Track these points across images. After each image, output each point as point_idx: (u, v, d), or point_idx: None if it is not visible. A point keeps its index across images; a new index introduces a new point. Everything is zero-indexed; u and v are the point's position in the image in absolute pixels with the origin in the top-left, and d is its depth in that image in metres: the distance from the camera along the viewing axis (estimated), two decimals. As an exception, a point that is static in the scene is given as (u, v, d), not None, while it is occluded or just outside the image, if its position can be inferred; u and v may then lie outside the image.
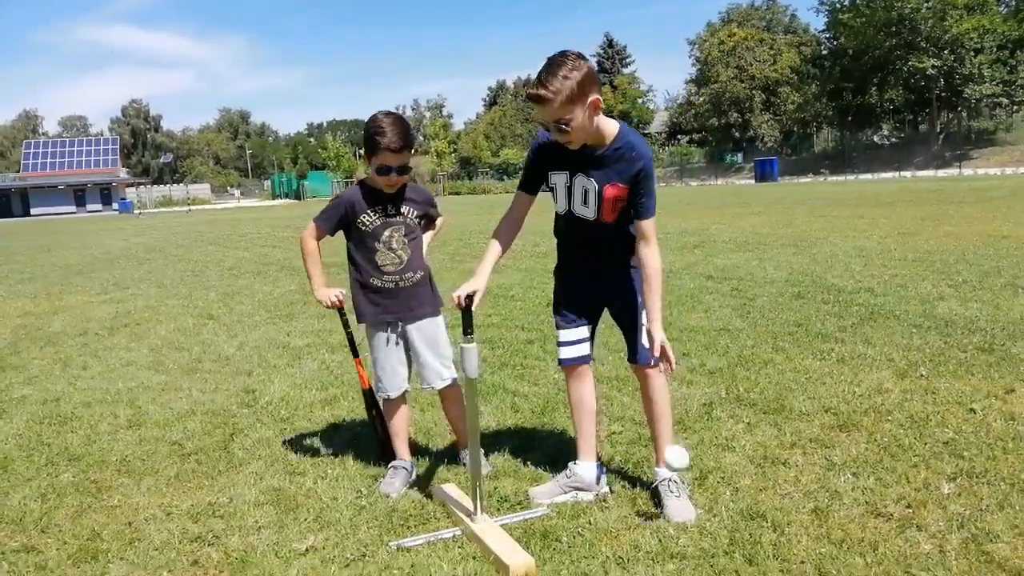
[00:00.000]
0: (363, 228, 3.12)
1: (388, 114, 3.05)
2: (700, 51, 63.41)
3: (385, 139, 2.96)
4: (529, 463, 3.28)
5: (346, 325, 3.41)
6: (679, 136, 69.27)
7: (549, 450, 3.43)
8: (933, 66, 47.81)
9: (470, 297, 2.66)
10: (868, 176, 43.67)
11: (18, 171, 77.40)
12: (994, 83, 48.59)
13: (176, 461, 3.57)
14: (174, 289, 9.60)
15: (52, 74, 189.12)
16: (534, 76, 2.65)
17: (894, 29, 49.42)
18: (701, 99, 63.37)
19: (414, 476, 3.21)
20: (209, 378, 5.02)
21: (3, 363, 5.76)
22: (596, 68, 2.69)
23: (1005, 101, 50.33)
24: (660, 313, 2.76)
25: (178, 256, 14.64)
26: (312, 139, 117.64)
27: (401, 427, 3.29)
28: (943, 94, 51.01)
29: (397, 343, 3.21)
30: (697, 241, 11.75)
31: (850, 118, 58.18)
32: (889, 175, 43.12)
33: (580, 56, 2.57)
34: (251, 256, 13.71)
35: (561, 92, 2.51)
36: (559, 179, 2.83)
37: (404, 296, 3.16)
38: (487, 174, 67.40)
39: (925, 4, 47.86)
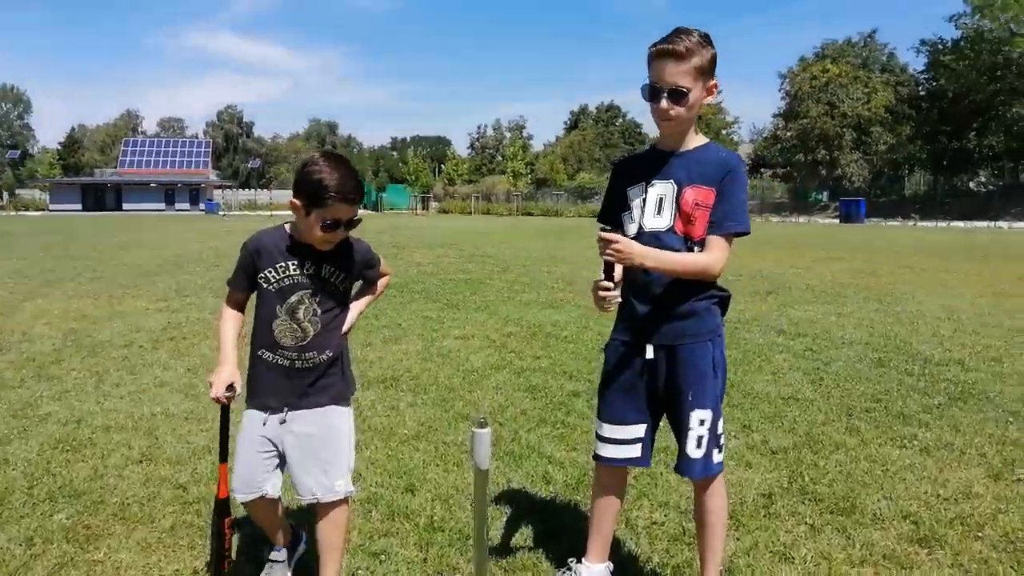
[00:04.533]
0: (265, 286, 2.45)
1: (331, 156, 2.40)
2: (791, 85, 61.82)
3: (338, 186, 2.31)
4: (552, 556, 2.89)
5: (225, 425, 2.61)
6: (763, 170, 67.67)
7: (578, 539, 3.02)
8: (1039, 113, 45.45)
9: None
10: (960, 224, 41.57)
11: (116, 167, 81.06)
12: (1105, 135, 45.87)
13: (176, 510, 3.31)
14: (231, 301, 9.53)
15: (157, 76, 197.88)
16: (666, 40, 2.32)
17: (999, 74, 47.19)
18: (788, 134, 61.75)
19: (294, 562, 2.76)
20: (237, 411, 4.77)
21: (42, 372, 5.69)
22: None
23: (1115, 154, 47.42)
24: (662, 263, 2.32)
25: (245, 264, 14.74)
26: (395, 152, 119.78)
27: (266, 521, 2.68)
28: (1048, 143, 48.41)
29: (267, 432, 2.49)
30: (771, 287, 11.13)
31: (944, 163, 55.73)
32: (983, 224, 40.94)
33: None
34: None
35: (695, 54, 2.28)
36: (635, 193, 2.45)
37: (298, 378, 2.47)
38: (560, 197, 67.02)
39: (1034, 49, 45.59)
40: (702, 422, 2.39)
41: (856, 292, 10.69)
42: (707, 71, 2.31)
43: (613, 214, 2.51)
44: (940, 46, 52.35)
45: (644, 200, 2.41)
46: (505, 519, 3.22)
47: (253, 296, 2.56)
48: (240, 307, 2.60)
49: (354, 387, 2.67)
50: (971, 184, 57.43)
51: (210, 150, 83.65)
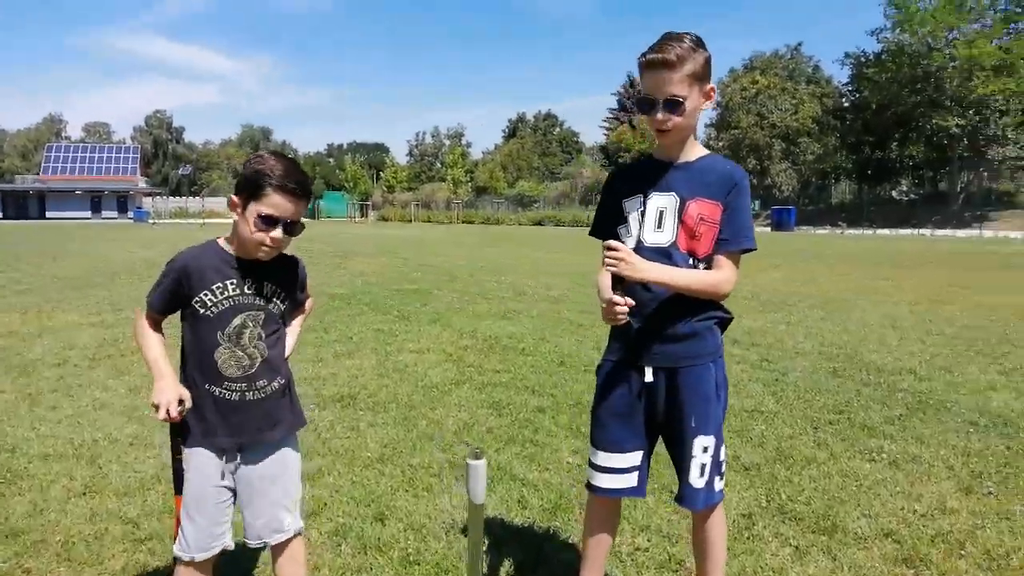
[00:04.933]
0: (202, 311, 2.20)
1: (278, 153, 2.20)
2: (722, 96, 63.27)
3: (278, 174, 2.10)
4: (538, 588, 2.76)
5: (177, 449, 2.28)
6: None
7: (559, 567, 2.91)
8: (957, 125, 47.48)
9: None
10: (886, 231, 43.15)
11: (38, 174, 77.70)
12: (1018, 146, 48.24)
13: (126, 548, 3.06)
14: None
15: (80, 80, 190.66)
16: (652, 46, 2.22)
17: (919, 86, 49.20)
18: (721, 143, 63.13)
19: None
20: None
21: (-33, 396, 5.29)
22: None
23: (1028, 164, 49.93)
24: (670, 279, 2.20)
25: (181, 275, 14.18)
26: (331, 159, 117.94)
27: None
28: (965, 154, 50.65)
29: (224, 479, 2.26)
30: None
31: (869, 172, 57.83)
32: (907, 232, 42.62)
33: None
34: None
35: (688, 60, 2.16)
36: (632, 204, 2.31)
37: (251, 412, 2.24)
38: (500, 205, 67.13)
39: (952, 63, 47.65)
40: (705, 449, 2.29)
41: (799, 300, 10.88)
42: (702, 76, 2.20)
43: (608, 227, 2.37)
44: (863, 59, 54.32)
45: (643, 213, 2.28)
46: (484, 548, 3.07)
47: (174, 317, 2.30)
48: (158, 326, 2.30)
49: (303, 419, 2.45)
50: (894, 193, 59.71)
51: (138, 156, 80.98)
